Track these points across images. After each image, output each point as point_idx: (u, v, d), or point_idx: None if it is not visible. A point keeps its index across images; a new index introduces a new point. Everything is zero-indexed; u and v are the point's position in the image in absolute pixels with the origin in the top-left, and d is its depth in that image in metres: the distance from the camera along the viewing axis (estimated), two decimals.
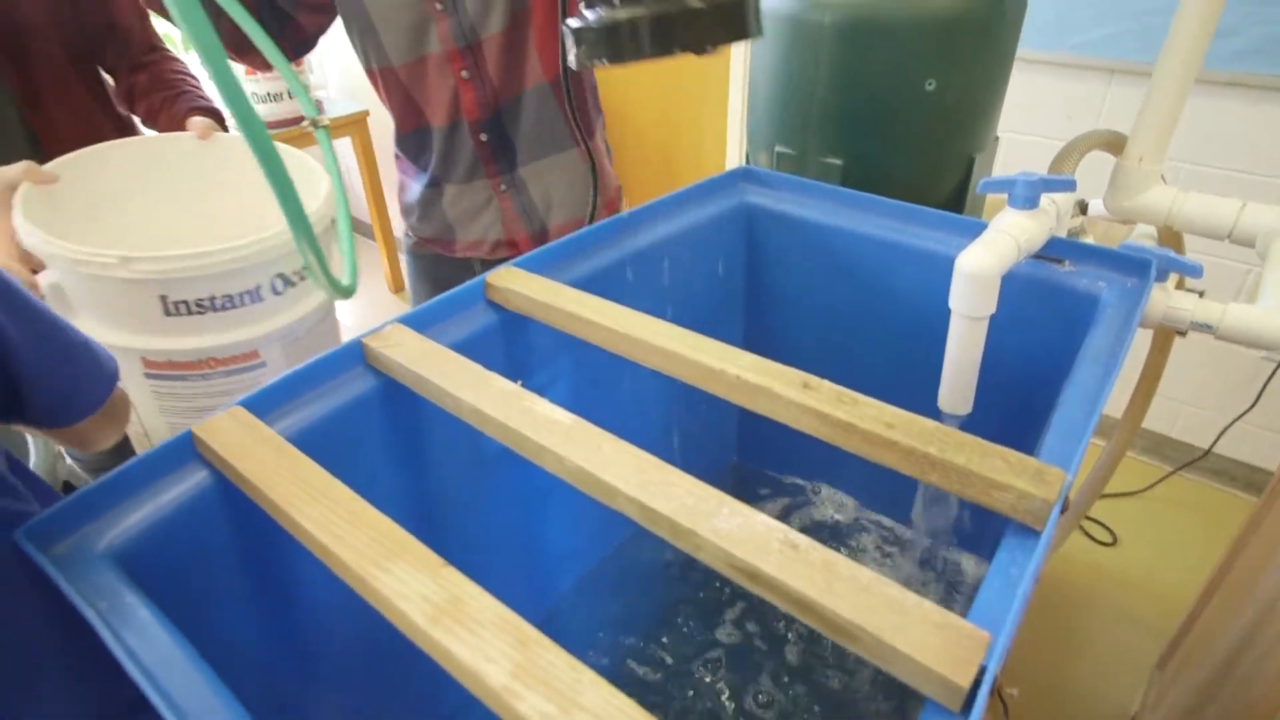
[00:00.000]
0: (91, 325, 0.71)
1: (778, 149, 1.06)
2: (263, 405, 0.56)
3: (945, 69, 0.94)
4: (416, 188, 1.19)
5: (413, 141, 1.14)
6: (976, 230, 0.77)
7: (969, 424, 0.67)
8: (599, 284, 0.75)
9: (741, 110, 2.14)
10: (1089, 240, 0.85)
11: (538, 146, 1.12)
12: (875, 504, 1.09)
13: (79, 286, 0.70)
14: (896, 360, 0.92)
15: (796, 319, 1.01)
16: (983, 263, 0.61)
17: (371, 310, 2.70)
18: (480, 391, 0.54)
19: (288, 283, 0.73)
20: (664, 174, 2.57)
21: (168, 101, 1.04)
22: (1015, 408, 0.81)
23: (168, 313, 0.68)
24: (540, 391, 0.56)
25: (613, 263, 0.80)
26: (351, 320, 2.65)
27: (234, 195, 0.91)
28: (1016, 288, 0.73)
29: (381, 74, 1.07)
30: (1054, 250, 0.74)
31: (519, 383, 0.56)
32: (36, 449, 0.77)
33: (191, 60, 1.30)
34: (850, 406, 0.51)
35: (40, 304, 0.54)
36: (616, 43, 0.54)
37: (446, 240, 1.19)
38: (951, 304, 0.64)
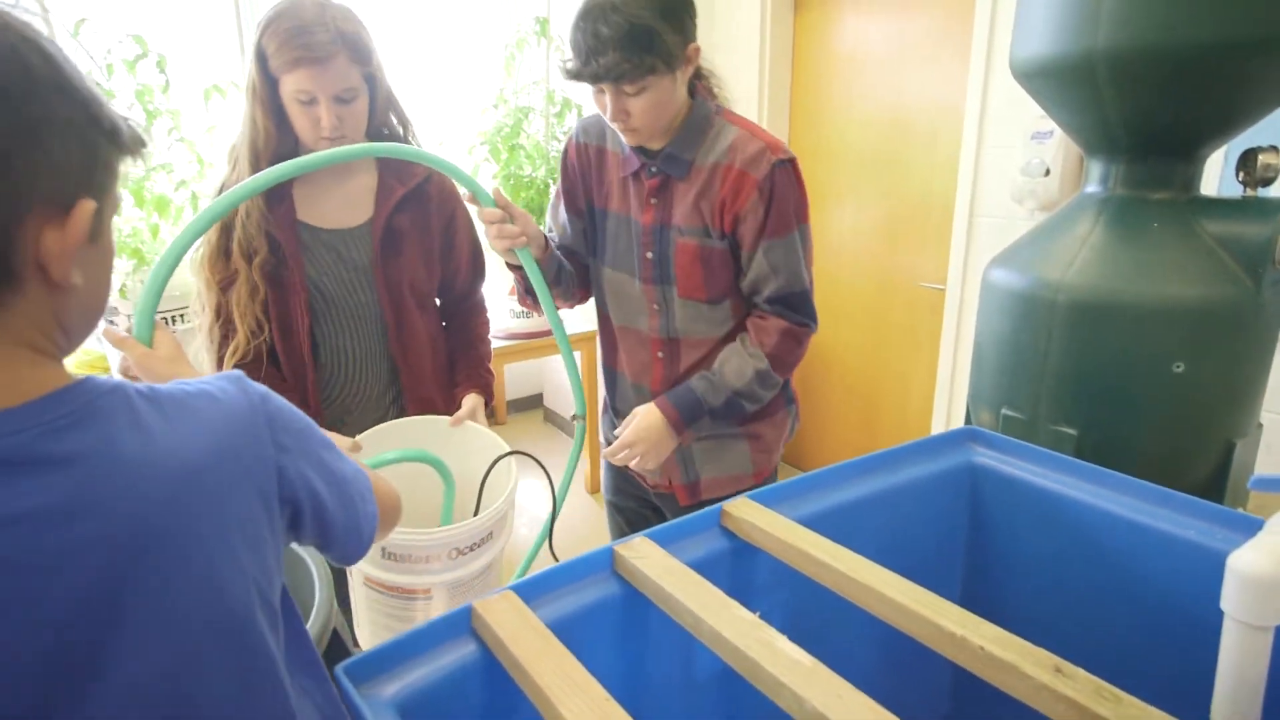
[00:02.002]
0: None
1: (1004, 411, 1.07)
2: (530, 591, 0.64)
3: (1195, 353, 0.93)
4: (607, 418, 1.36)
5: (607, 375, 1.33)
6: (1248, 526, 0.72)
7: None
8: (823, 523, 0.79)
9: (952, 366, 2.17)
10: None
11: (709, 425, 1.19)
12: None
13: None
14: (1147, 655, 0.83)
15: (1023, 589, 0.95)
16: (1263, 567, 0.57)
17: (568, 510, 2.87)
18: (720, 616, 0.58)
19: (460, 553, 1.04)
20: (866, 419, 2.59)
21: (459, 351, 1.36)
22: None
23: (384, 556, 1.02)
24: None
25: (839, 505, 0.84)
26: (547, 515, 2.82)
27: (461, 463, 1.19)
28: None
29: (601, 318, 1.29)
30: None
31: (757, 613, 0.59)
32: (320, 591, 0.91)
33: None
34: (1113, 704, 0.48)
35: (337, 466, 0.59)
36: None
37: None
38: (1225, 607, 0.59)
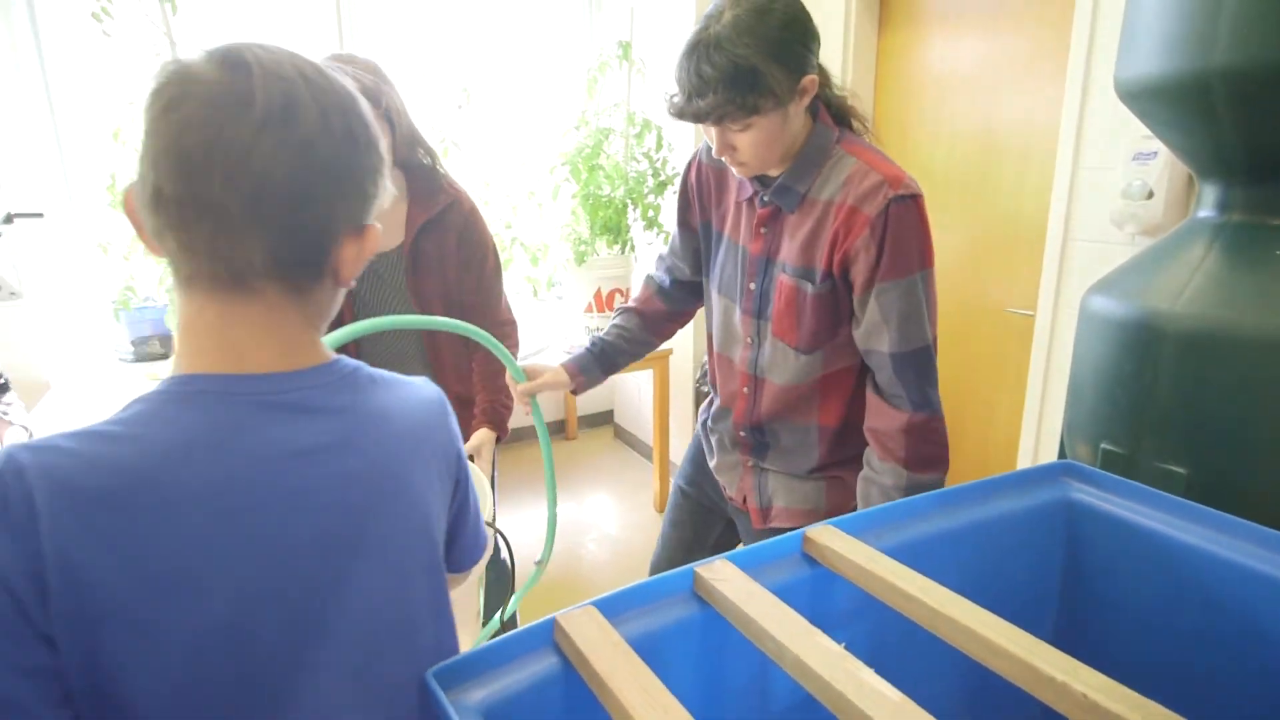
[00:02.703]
0: None
1: (1104, 446, 1.02)
2: (611, 608, 0.64)
3: None
4: (705, 413, 1.35)
5: (711, 386, 1.31)
6: None
7: None
8: (909, 554, 0.76)
9: (1041, 396, 2.07)
10: None
11: (786, 462, 1.19)
12: None
13: None
14: (1265, 714, 0.77)
15: (1123, 635, 0.90)
16: None
17: (635, 526, 2.87)
18: (805, 645, 0.57)
19: None
20: (951, 448, 2.51)
21: (482, 380, 1.47)
22: None
23: None
24: None
25: (925, 537, 0.81)
26: (616, 530, 2.83)
27: None
28: None
29: (708, 336, 1.29)
30: None
31: (843, 645, 0.58)
32: None
33: None
34: None
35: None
36: None
37: (705, 456, 1.34)
38: None
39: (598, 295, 2.70)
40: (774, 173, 1.06)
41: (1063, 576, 0.93)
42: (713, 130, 0.99)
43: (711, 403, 1.32)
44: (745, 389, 1.19)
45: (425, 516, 0.62)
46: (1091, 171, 1.86)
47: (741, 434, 1.22)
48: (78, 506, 0.46)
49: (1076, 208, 1.91)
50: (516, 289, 2.85)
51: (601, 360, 1.29)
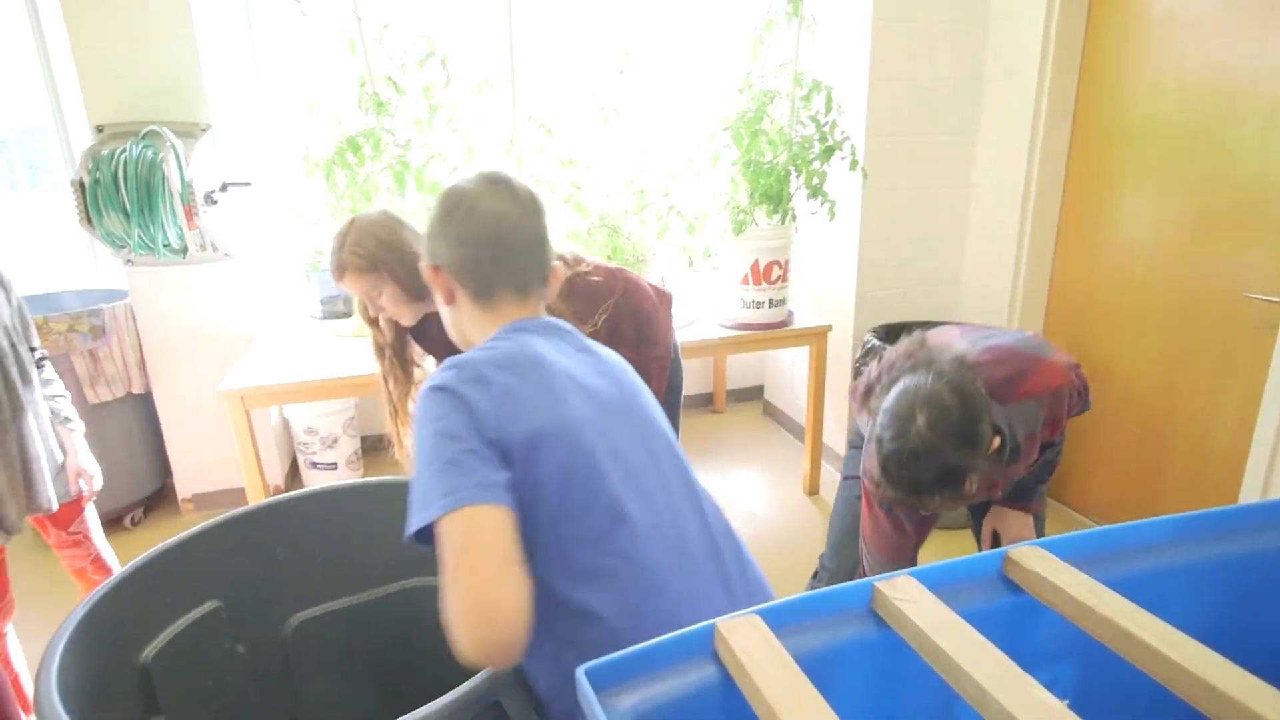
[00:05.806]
0: None
1: None
2: (777, 618, 0.58)
3: None
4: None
5: None
6: None
7: None
8: (1133, 589, 0.63)
9: None
10: None
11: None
12: None
13: None
14: None
15: None
16: None
17: (782, 506, 2.78)
18: (1016, 696, 0.48)
19: None
20: (1148, 457, 2.19)
21: None
22: None
23: None
24: None
25: (1156, 570, 0.68)
26: (762, 510, 2.76)
27: None
28: None
29: None
30: None
31: (1065, 702, 0.48)
32: None
33: None
34: None
35: None
36: None
37: None
38: None
39: (754, 267, 2.60)
40: None
41: None
42: None
43: None
44: None
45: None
46: None
47: None
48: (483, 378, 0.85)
49: None
50: (671, 259, 2.81)
51: None
